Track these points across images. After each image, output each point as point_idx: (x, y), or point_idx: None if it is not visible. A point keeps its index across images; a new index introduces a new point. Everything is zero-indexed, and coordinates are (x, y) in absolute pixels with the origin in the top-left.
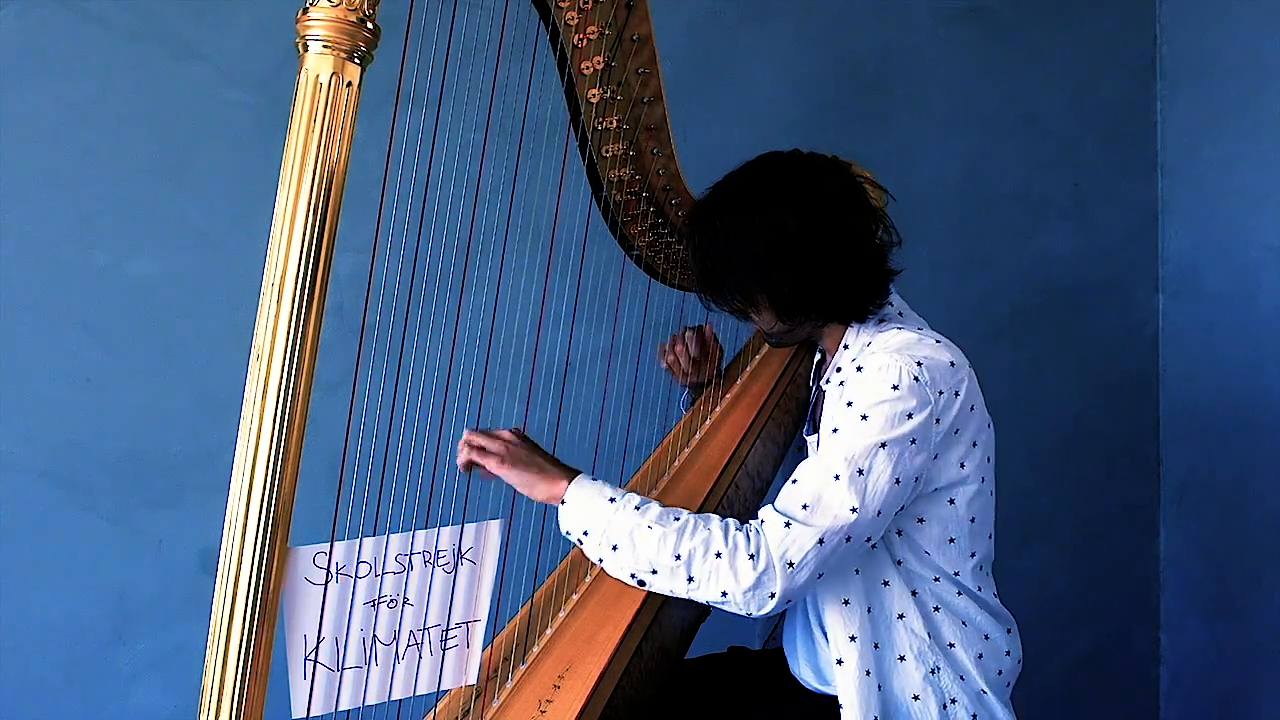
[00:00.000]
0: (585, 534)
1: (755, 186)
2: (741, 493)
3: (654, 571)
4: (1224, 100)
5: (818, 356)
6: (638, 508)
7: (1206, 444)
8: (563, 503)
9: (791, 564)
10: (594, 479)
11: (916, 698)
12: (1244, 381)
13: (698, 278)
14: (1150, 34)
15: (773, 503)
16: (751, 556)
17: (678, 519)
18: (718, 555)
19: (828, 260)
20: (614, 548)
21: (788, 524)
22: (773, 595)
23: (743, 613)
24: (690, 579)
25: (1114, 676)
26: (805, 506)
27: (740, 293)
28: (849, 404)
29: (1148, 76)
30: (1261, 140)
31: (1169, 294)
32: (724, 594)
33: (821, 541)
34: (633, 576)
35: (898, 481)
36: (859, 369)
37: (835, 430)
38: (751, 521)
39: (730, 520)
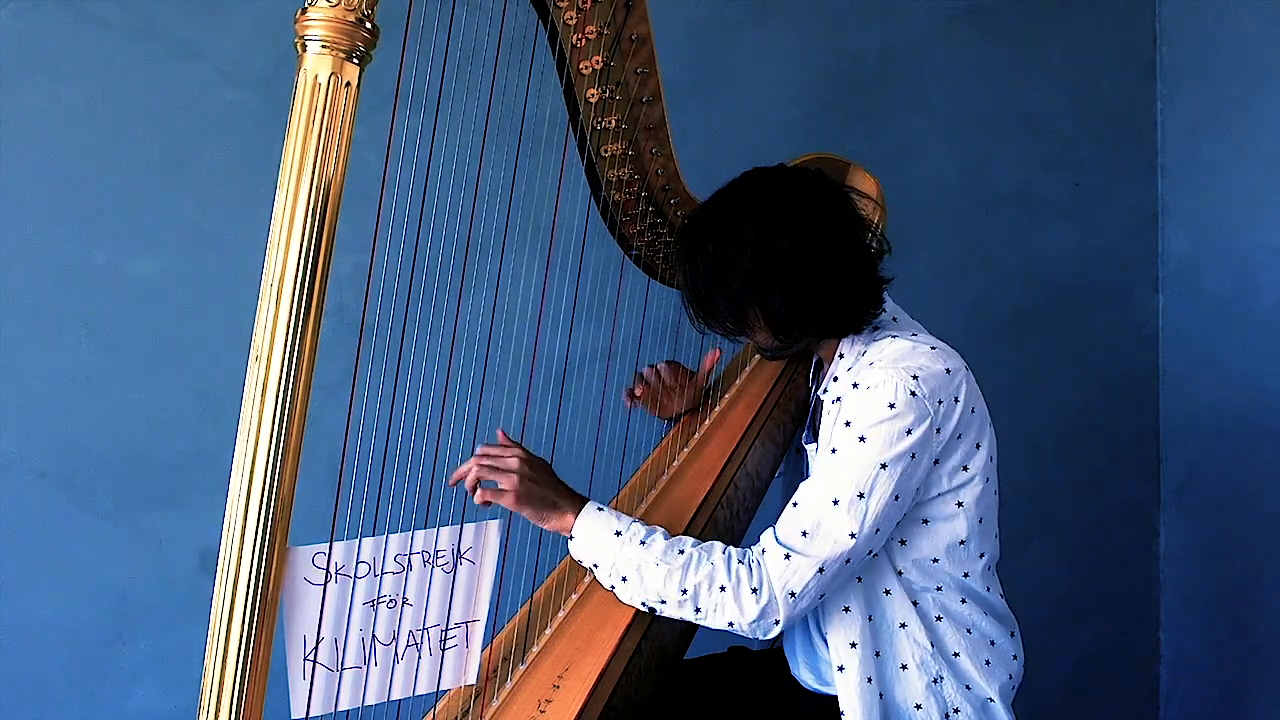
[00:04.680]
0: (595, 566)
1: (745, 205)
2: (740, 492)
3: (663, 602)
4: (1224, 100)
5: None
6: (643, 542)
7: (1206, 444)
8: (571, 536)
9: (794, 594)
10: (601, 508)
11: (919, 706)
12: (1244, 381)
13: (690, 300)
14: (1150, 34)
15: (774, 528)
16: (754, 590)
17: (682, 552)
18: (722, 589)
19: (821, 277)
20: (623, 579)
21: (788, 555)
22: (777, 623)
23: (749, 638)
24: (698, 610)
25: (1114, 676)
26: (804, 534)
27: (734, 314)
28: (847, 423)
29: (1148, 76)
30: (1261, 140)
31: (1169, 294)
32: (730, 624)
33: (822, 570)
34: (643, 604)
35: (897, 498)
36: (854, 385)
37: (834, 451)
38: (753, 549)
39: (732, 550)
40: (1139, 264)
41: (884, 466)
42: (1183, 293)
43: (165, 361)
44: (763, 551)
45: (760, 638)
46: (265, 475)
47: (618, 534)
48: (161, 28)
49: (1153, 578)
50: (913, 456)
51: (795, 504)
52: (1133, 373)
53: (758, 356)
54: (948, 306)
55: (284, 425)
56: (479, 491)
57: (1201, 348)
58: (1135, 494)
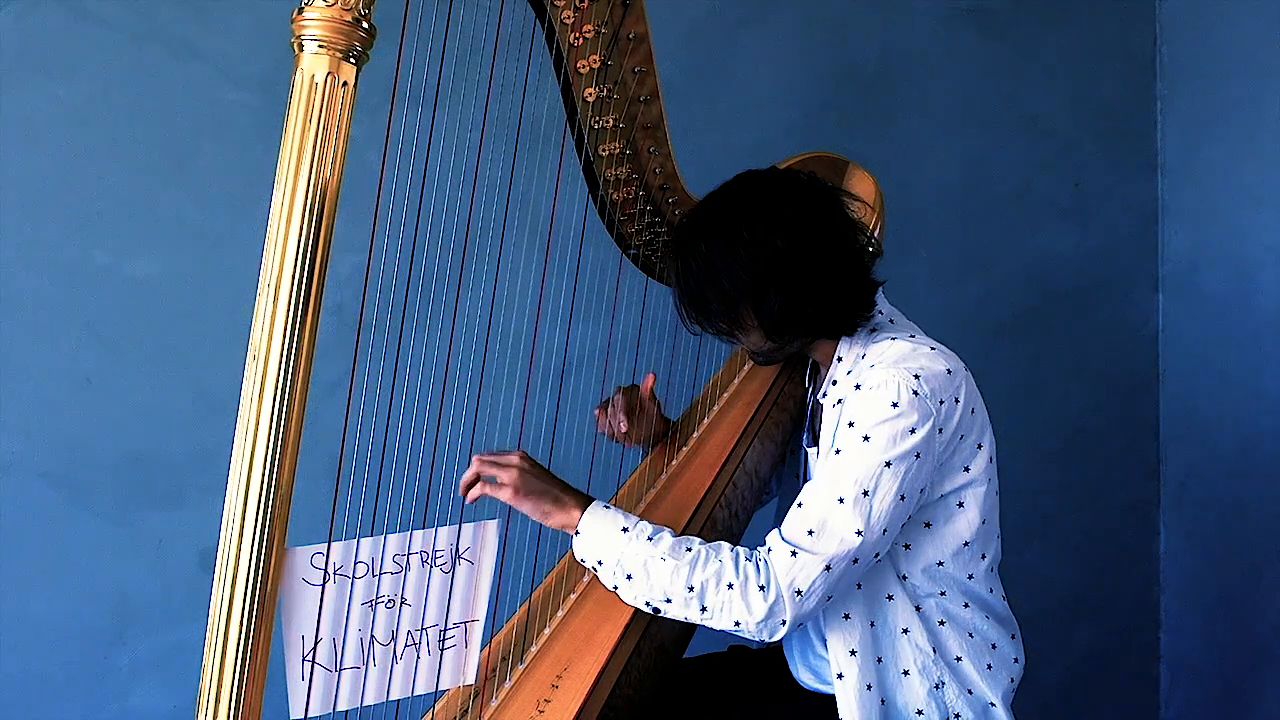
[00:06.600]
0: (600, 563)
1: (739, 207)
2: (739, 492)
3: (668, 600)
4: (1224, 100)
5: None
6: (650, 538)
7: (1206, 444)
8: (576, 533)
9: (800, 592)
10: (607, 506)
11: (920, 712)
12: (1244, 381)
13: (683, 301)
14: (1150, 34)
15: (779, 528)
16: (762, 588)
17: (689, 549)
18: (729, 587)
19: (815, 278)
20: (628, 577)
21: (794, 553)
22: (784, 623)
23: (755, 639)
24: (704, 609)
25: (1114, 676)
26: (810, 533)
27: (727, 315)
28: (850, 424)
29: (1148, 76)
30: (1261, 140)
31: (1169, 294)
32: (737, 623)
33: (829, 568)
34: (647, 604)
35: (903, 498)
36: (857, 386)
37: (838, 451)
38: (760, 549)
39: (740, 549)
40: (1139, 264)
41: (888, 465)
42: (1183, 293)
43: (165, 361)
44: (769, 550)
45: (768, 640)
46: (264, 473)
47: (624, 530)
48: (161, 28)
49: (1153, 578)
50: (917, 456)
51: (800, 504)
52: (1133, 373)
53: None
54: (948, 306)
55: (282, 423)
56: (477, 485)
57: (1201, 348)
58: (1135, 494)
